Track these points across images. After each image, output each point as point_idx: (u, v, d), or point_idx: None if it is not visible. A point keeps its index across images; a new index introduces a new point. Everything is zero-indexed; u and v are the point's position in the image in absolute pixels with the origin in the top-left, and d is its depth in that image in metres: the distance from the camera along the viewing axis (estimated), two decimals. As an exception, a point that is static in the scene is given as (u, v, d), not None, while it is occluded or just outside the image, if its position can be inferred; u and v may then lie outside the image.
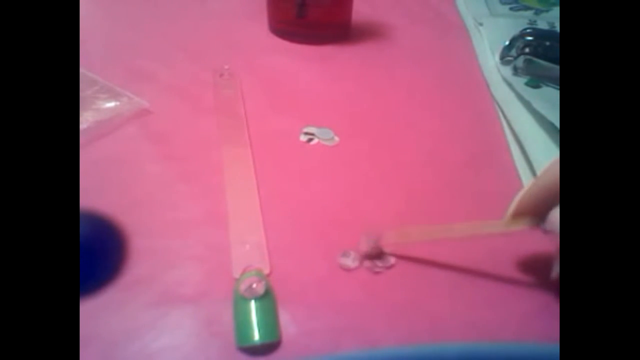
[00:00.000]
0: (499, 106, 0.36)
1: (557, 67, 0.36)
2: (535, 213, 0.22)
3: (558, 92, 0.36)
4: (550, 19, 0.46)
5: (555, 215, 0.20)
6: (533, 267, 0.24)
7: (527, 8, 0.48)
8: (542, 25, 0.44)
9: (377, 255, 0.24)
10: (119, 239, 0.24)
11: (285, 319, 0.21)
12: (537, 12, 0.48)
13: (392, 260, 0.24)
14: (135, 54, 0.38)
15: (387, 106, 0.35)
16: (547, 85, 0.36)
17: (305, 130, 0.32)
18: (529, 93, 0.35)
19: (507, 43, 0.39)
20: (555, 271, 0.21)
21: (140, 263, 0.23)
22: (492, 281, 0.24)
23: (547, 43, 0.37)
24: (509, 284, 0.23)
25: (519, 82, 0.37)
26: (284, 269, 0.24)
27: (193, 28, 0.42)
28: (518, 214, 0.22)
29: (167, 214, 0.26)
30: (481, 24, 0.45)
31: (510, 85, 0.37)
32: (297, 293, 0.22)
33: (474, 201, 0.28)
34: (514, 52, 0.39)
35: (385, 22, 0.45)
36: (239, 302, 0.21)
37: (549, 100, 0.34)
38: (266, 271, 0.23)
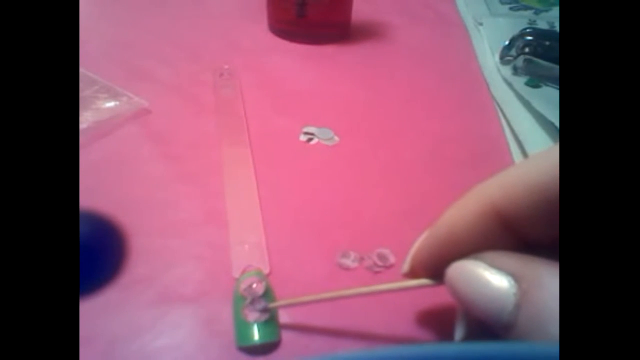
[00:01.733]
0: (499, 106, 0.36)
1: (557, 67, 0.36)
2: (431, 271, 0.18)
3: (558, 92, 0.36)
4: (550, 19, 0.46)
5: (454, 271, 0.17)
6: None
7: (527, 8, 0.48)
8: (542, 25, 0.44)
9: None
10: (118, 239, 0.24)
11: (285, 319, 0.21)
12: (537, 12, 0.48)
13: (392, 260, 0.24)
14: (135, 54, 0.38)
15: (387, 106, 0.35)
16: (547, 85, 0.36)
17: (305, 130, 0.32)
18: (529, 93, 0.35)
19: (507, 43, 0.39)
20: (460, 334, 0.18)
21: (140, 263, 0.23)
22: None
23: (547, 43, 0.37)
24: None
25: (519, 82, 0.37)
26: (284, 269, 0.24)
27: (193, 28, 0.42)
28: (413, 274, 0.19)
29: (167, 214, 0.26)
30: (481, 24, 0.45)
31: (510, 85, 0.37)
32: (297, 293, 0.22)
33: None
34: (514, 52, 0.39)
35: (386, 22, 0.45)
36: (239, 302, 0.21)
37: (549, 100, 0.34)
38: (266, 271, 0.23)
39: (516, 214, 0.15)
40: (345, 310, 0.22)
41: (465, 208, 0.17)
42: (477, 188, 0.17)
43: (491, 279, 0.15)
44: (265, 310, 0.21)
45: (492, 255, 0.16)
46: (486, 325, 0.16)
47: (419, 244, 0.19)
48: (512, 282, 0.15)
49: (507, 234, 0.16)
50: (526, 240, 0.16)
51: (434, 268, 0.18)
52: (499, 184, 0.16)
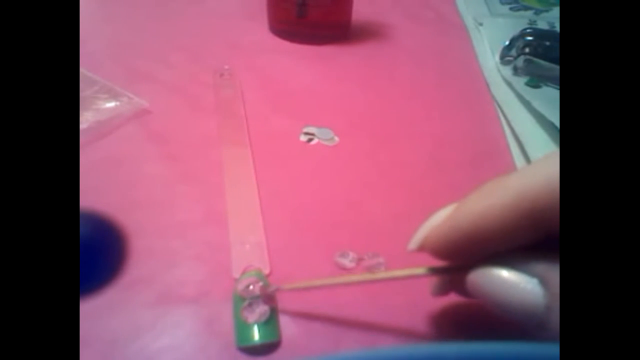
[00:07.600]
0: (499, 106, 0.36)
1: (557, 67, 0.36)
2: (442, 254, 0.18)
3: (558, 92, 0.36)
4: (550, 19, 0.46)
5: (479, 277, 0.17)
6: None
7: (527, 8, 0.48)
8: (542, 25, 0.44)
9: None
10: (119, 239, 0.24)
11: (285, 319, 0.21)
12: (537, 12, 0.48)
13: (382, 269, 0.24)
14: (135, 54, 0.38)
15: (387, 106, 0.35)
16: (547, 85, 0.36)
17: (305, 130, 0.32)
18: (529, 93, 0.35)
19: (507, 43, 0.39)
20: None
21: (140, 263, 0.23)
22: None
23: (547, 43, 0.37)
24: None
25: (519, 82, 0.37)
26: (284, 269, 0.24)
27: (193, 28, 0.42)
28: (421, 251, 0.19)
29: (167, 214, 0.26)
30: (481, 24, 0.45)
31: (510, 85, 0.37)
32: (297, 293, 0.22)
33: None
34: (514, 52, 0.39)
35: (385, 22, 0.45)
36: (239, 302, 0.21)
37: (549, 100, 0.34)
38: (266, 271, 0.23)
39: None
40: (346, 310, 0.22)
41: (499, 201, 0.16)
42: (512, 181, 0.16)
43: (518, 284, 0.15)
44: (270, 300, 0.21)
45: (517, 258, 0.16)
46: (518, 324, 0.16)
47: (437, 227, 0.18)
48: (541, 286, 0.15)
49: (537, 230, 0.15)
50: (554, 237, 0.15)
51: (447, 252, 0.18)
52: (544, 182, 0.15)
